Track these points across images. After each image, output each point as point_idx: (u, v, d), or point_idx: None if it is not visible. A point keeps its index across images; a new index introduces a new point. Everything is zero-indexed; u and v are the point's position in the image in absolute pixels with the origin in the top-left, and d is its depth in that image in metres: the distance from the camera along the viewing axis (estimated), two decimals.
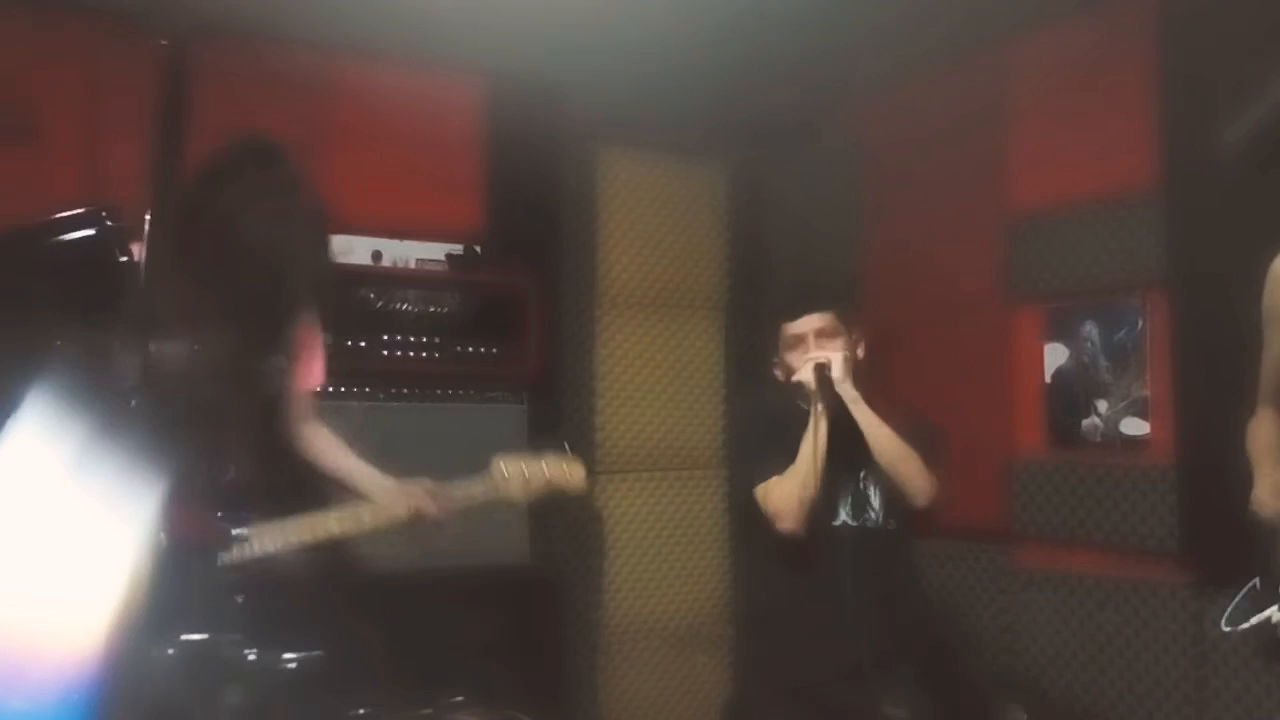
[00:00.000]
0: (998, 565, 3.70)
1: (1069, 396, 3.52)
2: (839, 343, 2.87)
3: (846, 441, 2.81)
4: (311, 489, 2.49)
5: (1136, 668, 3.26)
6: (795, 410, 2.86)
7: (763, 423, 3.09)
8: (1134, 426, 3.34)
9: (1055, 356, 3.57)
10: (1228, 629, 2.38)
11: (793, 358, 2.91)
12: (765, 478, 2.88)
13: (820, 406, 2.77)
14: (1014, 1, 3.44)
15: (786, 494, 2.81)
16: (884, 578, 2.83)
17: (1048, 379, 3.59)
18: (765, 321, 3.16)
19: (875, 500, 2.91)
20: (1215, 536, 3.06)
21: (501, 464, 2.67)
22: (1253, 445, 2.42)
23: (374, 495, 2.49)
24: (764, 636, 3.12)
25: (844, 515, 2.91)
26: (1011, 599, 3.64)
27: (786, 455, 2.83)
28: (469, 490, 2.62)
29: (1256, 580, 2.35)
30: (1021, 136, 3.66)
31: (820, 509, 2.83)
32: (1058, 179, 3.55)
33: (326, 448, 2.50)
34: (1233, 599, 2.34)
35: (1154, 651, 3.22)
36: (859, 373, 2.88)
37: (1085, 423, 3.47)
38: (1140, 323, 3.34)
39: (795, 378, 2.86)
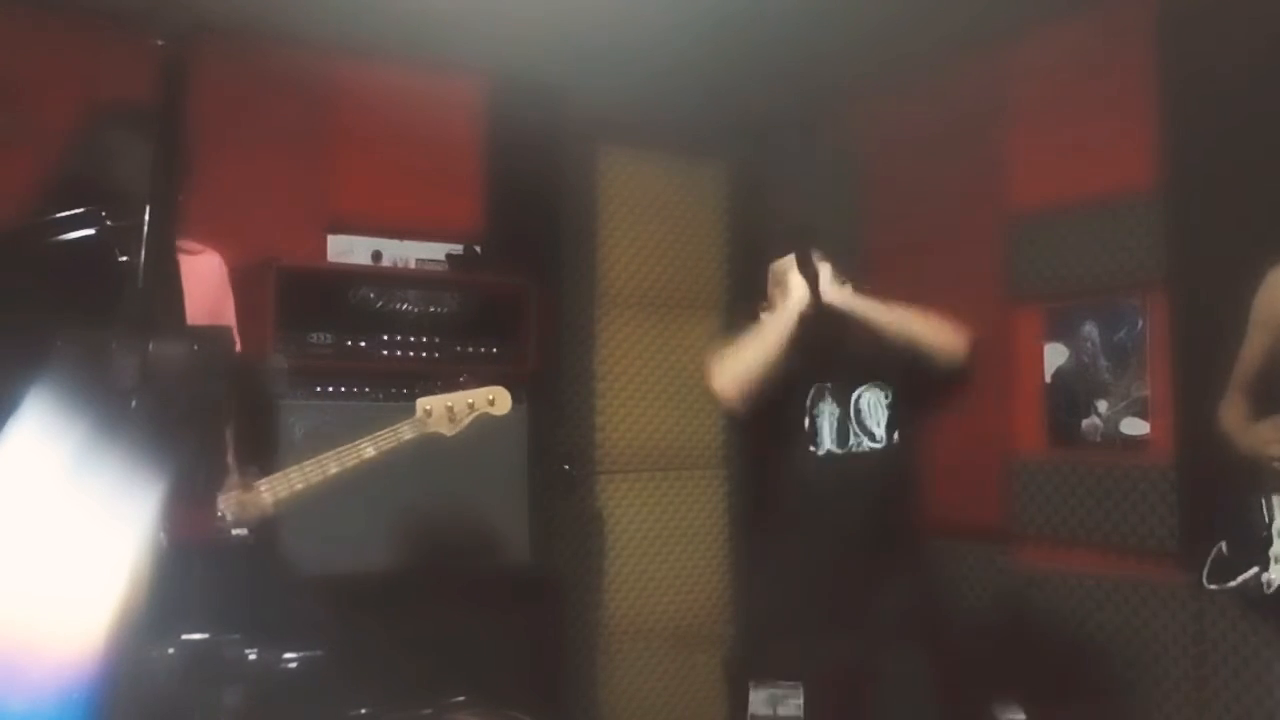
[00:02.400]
0: (998, 565, 3.70)
1: (1069, 396, 3.52)
2: (828, 266, 2.74)
3: (829, 365, 2.74)
4: None
5: (1136, 668, 3.26)
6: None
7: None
8: (1134, 426, 3.34)
9: (1055, 356, 3.57)
10: (1212, 586, 2.51)
11: (777, 292, 2.80)
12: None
13: (796, 303, 2.66)
14: (1014, 1, 3.44)
15: (733, 366, 2.71)
16: (877, 504, 2.73)
17: (1048, 379, 3.59)
18: (755, 264, 3.07)
19: (872, 419, 2.79)
20: (1215, 536, 3.07)
21: (423, 401, 2.70)
22: (1226, 423, 2.68)
23: None
24: (764, 578, 3.05)
25: (829, 444, 2.79)
26: (1011, 599, 3.63)
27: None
28: (397, 434, 2.64)
29: (1223, 544, 2.48)
30: (1021, 136, 3.66)
31: (800, 438, 2.74)
32: (1058, 179, 3.55)
33: None
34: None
35: (1154, 651, 3.22)
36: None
37: (1085, 423, 3.47)
38: (1140, 323, 3.34)
39: (784, 292, 2.74)
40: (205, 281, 2.45)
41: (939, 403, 2.83)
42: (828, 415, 2.79)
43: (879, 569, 2.71)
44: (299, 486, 2.52)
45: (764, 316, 2.84)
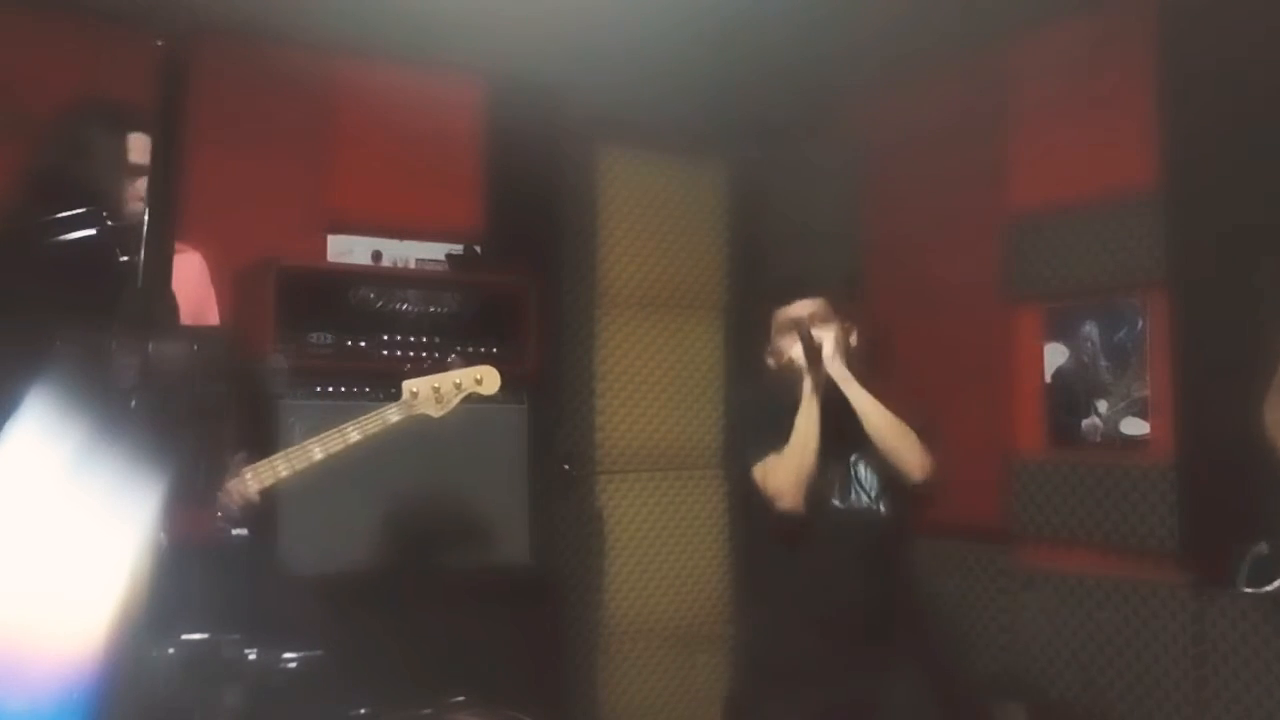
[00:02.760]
0: (998, 565, 3.70)
1: (1069, 396, 3.52)
2: (831, 326, 2.84)
3: (836, 424, 2.79)
4: None
5: (1136, 668, 3.26)
6: (789, 397, 2.84)
7: (758, 409, 3.08)
8: (1134, 426, 3.34)
9: (1055, 356, 3.57)
10: (1249, 590, 2.47)
11: (784, 342, 2.88)
12: (762, 459, 2.86)
13: (811, 384, 2.76)
14: (1014, 1, 3.44)
15: (785, 471, 2.78)
16: (873, 562, 2.81)
17: (1048, 379, 3.59)
18: (758, 309, 3.13)
19: (867, 484, 2.88)
20: (1215, 536, 3.07)
21: (410, 383, 2.68)
22: (1268, 423, 2.57)
23: None
24: (761, 621, 3.10)
25: (834, 499, 2.88)
26: (1011, 599, 3.63)
27: (782, 438, 2.81)
28: (383, 417, 2.63)
29: (1264, 544, 2.44)
30: (1021, 136, 3.66)
31: (814, 491, 2.80)
32: (1058, 179, 3.55)
33: None
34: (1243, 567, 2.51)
35: (1154, 651, 3.22)
36: (852, 357, 2.86)
37: (1085, 423, 3.47)
38: (1140, 323, 3.34)
39: (786, 357, 2.84)
40: (188, 281, 2.44)
41: (911, 505, 2.90)
42: (831, 471, 2.86)
43: (877, 619, 2.78)
44: (284, 473, 2.51)
45: (771, 364, 2.95)
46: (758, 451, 2.88)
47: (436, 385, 2.70)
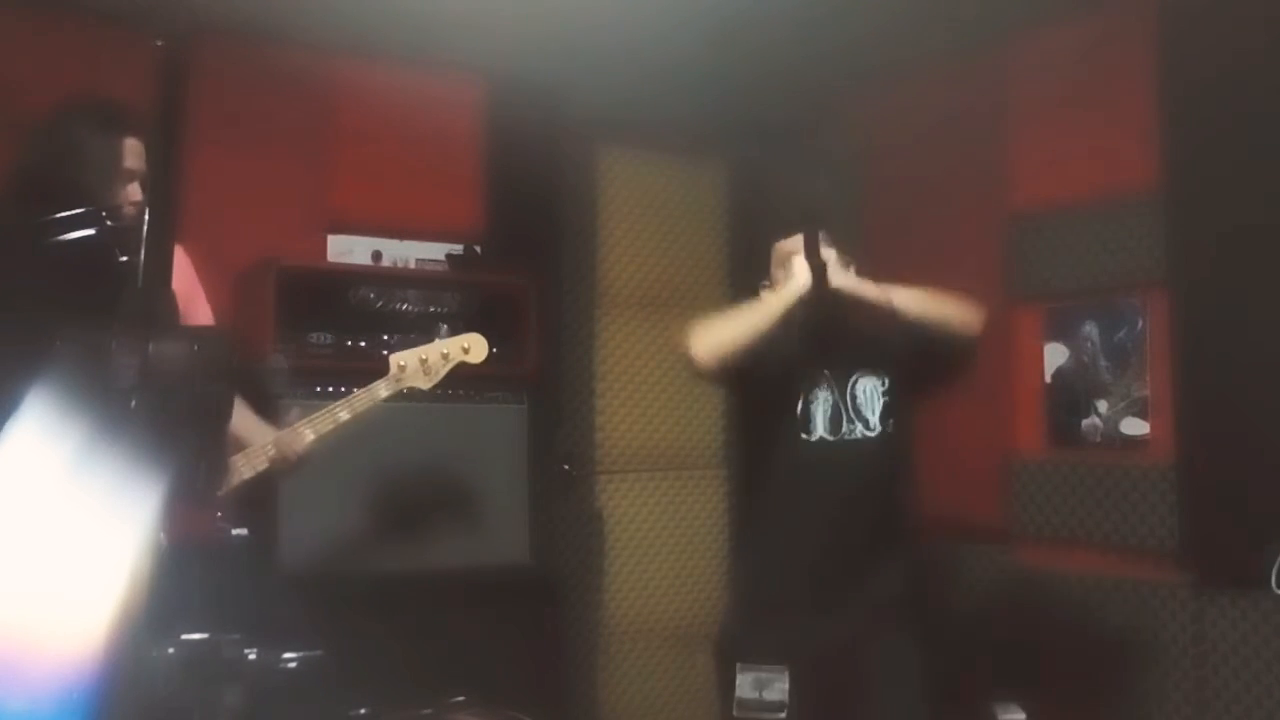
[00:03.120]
0: (998, 565, 3.70)
1: (1069, 396, 3.52)
2: (833, 252, 2.72)
3: (825, 349, 2.72)
4: None
5: (1136, 668, 3.26)
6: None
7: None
8: (1134, 426, 3.34)
9: (1055, 356, 3.57)
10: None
11: (784, 271, 2.76)
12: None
13: (804, 298, 2.64)
14: (1014, 1, 3.44)
15: (713, 326, 2.70)
16: (869, 496, 2.73)
17: (1048, 379, 3.59)
18: (757, 243, 3.03)
19: (868, 405, 2.76)
20: (1215, 536, 3.07)
21: (396, 357, 2.67)
22: None
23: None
24: (751, 561, 3.03)
25: (822, 430, 2.76)
26: (1011, 599, 3.63)
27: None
28: (373, 392, 2.62)
29: None
30: (1021, 136, 3.66)
31: (792, 423, 2.73)
32: (1058, 179, 3.55)
33: None
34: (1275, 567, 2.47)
35: (1154, 651, 3.22)
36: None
37: (1085, 423, 3.47)
38: (1140, 323, 3.34)
39: (788, 273, 2.71)
40: (176, 279, 2.44)
41: (943, 385, 2.81)
42: (822, 402, 2.77)
43: (867, 555, 2.70)
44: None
45: (764, 294, 2.82)
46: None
47: (424, 357, 2.70)
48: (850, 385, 2.79)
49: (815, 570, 2.69)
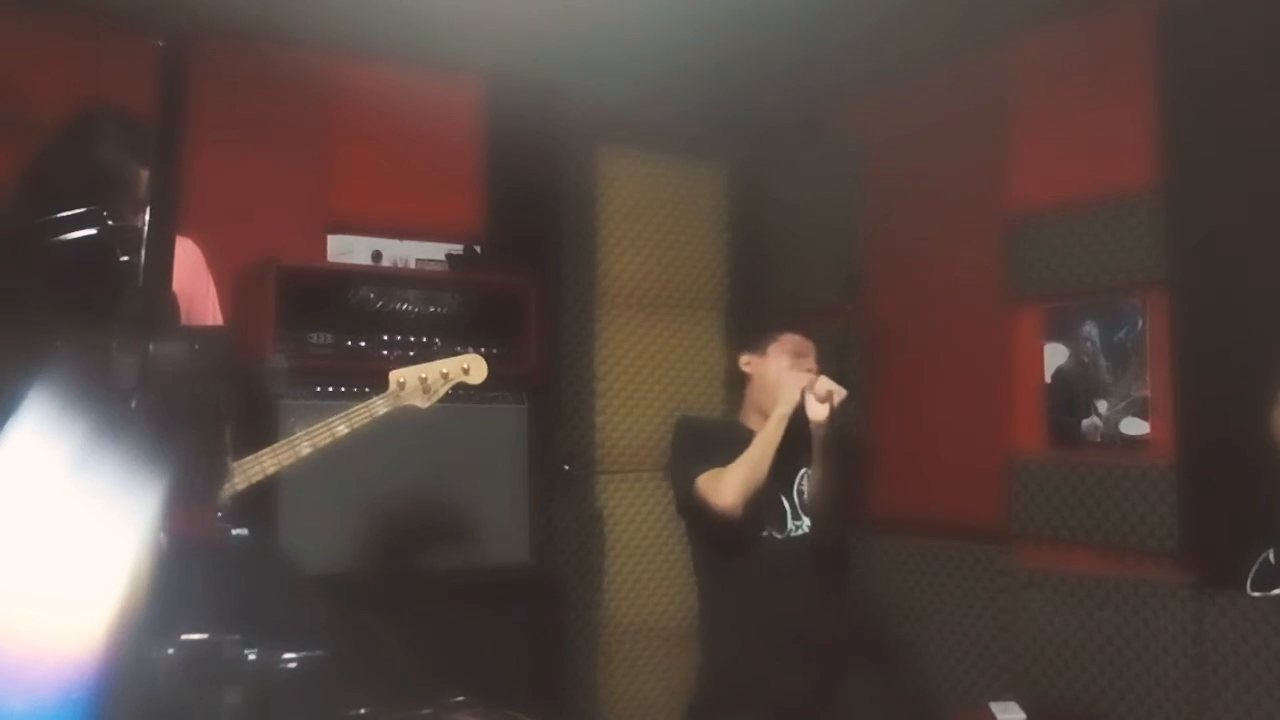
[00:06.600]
0: (998, 565, 3.70)
1: (1069, 396, 3.52)
2: (811, 360, 3.11)
3: (780, 453, 2.97)
4: None
5: (1136, 668, 3.26)
6: (735, 427, 3.08)
7: (699, 425, 3.41)
8: (1134, 426, 3.34)
9: (1055, 356, 3.57)
10: (1256, 594, 2.51)
11: (782, 363, 3.11)
12: (707, 472, 3.02)
13: (787, 414, 2.97)
14: (1014, 1, 3.44)
15: (736, 478, 2.94)
16: (817, 585, 3.00)
17: (1048, 379, 3.58)
18: (759, 314, 3.40)
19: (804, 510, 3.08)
20: (1215, 536, 3.07)
21: (396, 374, 2.65)
22: (1277, 428, 2.61)
23: None
24: (716, 644, 3.20)
25: (769, 528, 3.05)
26: (1011, 599, 3.63)
27: (723, 454, 3.00)
28: (371, 409, 2.60)
29: (1270, 551, 2.47)
30: (1021, 136, 3.66)
31: (754, 521, 2.97)
32: (1058, 179, 3.55)
33: None
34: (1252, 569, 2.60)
35: (1154, 651, 3.22)
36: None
37: (1085, 423, 3.47)
38: (1140, 323, 3.34)
39: (810, 404, 2.97)
40: (181, 269, 2.42)
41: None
42: (766, 504, 3.03)
43: (828, 634, 2.95)
44: (271, 469, 2.47)
45: (744, 368, 3.23)
46: (702, 464, 3.03)
47: (423, 375, 2.68)
48: (800, 478, 3.09)
49: (781, 655, 2.88)
